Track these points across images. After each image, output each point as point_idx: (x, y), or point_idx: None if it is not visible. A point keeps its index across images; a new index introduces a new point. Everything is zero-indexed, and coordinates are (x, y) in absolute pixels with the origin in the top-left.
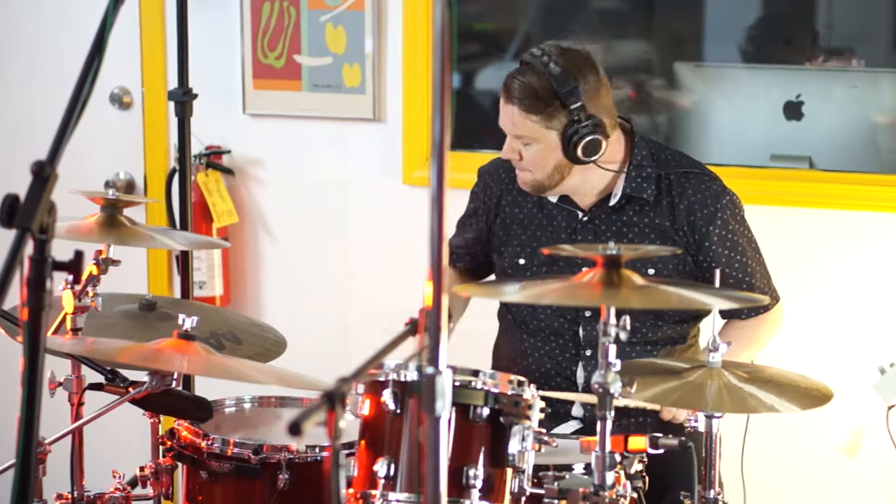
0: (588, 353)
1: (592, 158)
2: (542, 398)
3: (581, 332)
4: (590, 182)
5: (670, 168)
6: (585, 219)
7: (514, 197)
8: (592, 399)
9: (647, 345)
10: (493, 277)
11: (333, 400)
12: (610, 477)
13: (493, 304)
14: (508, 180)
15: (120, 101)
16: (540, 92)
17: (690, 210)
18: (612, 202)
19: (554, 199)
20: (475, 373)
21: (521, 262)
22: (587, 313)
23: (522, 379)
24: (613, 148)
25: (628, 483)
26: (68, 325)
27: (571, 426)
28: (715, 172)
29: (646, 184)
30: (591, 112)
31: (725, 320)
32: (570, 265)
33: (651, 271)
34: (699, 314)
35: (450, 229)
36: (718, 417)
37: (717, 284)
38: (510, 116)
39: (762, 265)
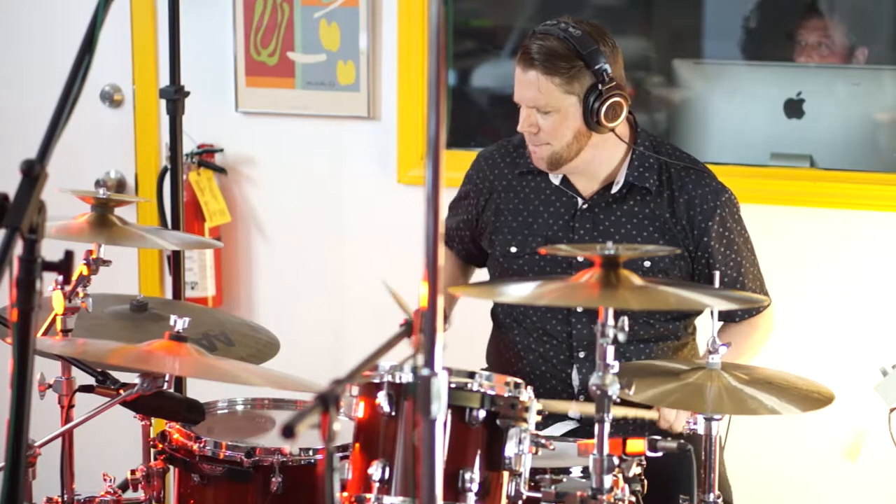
0: (582, 354)
1: (614, 124)
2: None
3: (574, 332)
4: (599, 159)
5: (671, 161)
6: (585, 206)
7: (509, 182)
8: (588, 408)
9: (641, 343)
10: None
11: (327, 402)
12: (608, 480)
13: (487, 302)
14: (504, 164)
15: (111, 98)
16: (562, 53)
17: (690, 205)
18: (614, 190)
19: (556, 181)
20: (471, 374)
21: (513, 249)
22: (579, 309)
23: (519, 381)
24: (620, 130)
25: (626, 486)
26: (58, 326)
27: (567, 426)
28: (711, 171)
29: (648, 173)
30: (613, 76)
31: (720, 323)
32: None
33: (647, 263)
34: (691, 312)
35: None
36: (718, 420)
37: (717, 285)
38: (533, 82)
39: (756, 266)
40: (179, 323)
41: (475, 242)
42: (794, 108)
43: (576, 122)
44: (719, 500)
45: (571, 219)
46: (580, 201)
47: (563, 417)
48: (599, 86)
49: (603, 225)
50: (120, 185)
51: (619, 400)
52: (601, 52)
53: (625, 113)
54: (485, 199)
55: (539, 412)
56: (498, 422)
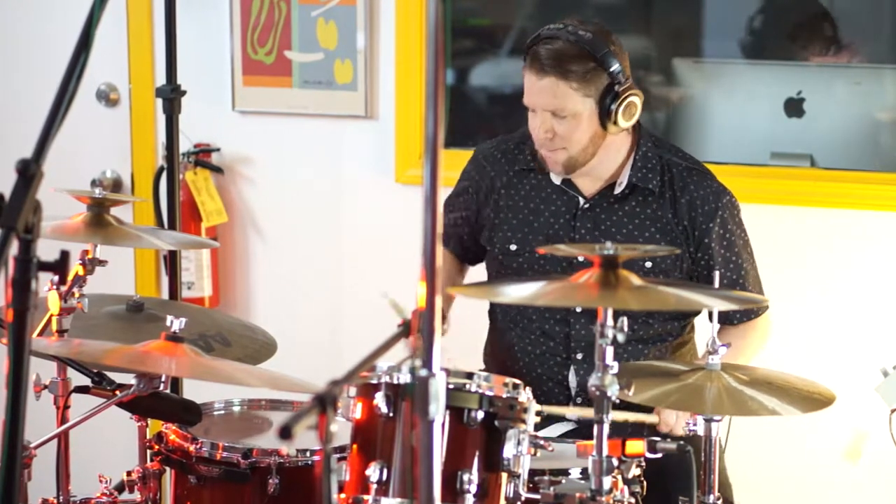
0: (579, 356)
1: (629, 123)
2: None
3: (571, 332)
4: (606, 160)
5: (673, 162)
6: (586, 206)
7: (509, 179)
8: (587, 413)
9: (639, 343)
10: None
11: (325, 403)
12: (607, 482)
13: (485, 302)
14: (505, 162)
15: (107, 97)
16: (575, 56)
17: (692, 205)
18: (617, 191)
19: (557, 181)
20: (469, 375)
21: (513, 247)
22: (578, 309)
23: (518, 382)
24: (623, 135)
25: (626, 488)
26: (54, 326)
27: (564, 427)
28: (713, 173)
29: (651, 174)
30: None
31: (718, 326)
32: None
33: (648, 264)
34: (690, 312)
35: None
36: (718, 421)
37: (717, 285)
38: (548, 87)
39: (755, 269)
40: (176, 323)
41: (473, 238)
42: (794, 108)
43: (592, 124)
44: (719, 502)
45: (573, 218)
46: (581, 201)
47: (560, 418)
48: (616, 86)
49: (604, 225)
50: (116, 185)
51: (618, 401)
52: (613, 53)
53: (639, 110)
54: (484, 195)
55: (538, 413)
56: (496, 423)
